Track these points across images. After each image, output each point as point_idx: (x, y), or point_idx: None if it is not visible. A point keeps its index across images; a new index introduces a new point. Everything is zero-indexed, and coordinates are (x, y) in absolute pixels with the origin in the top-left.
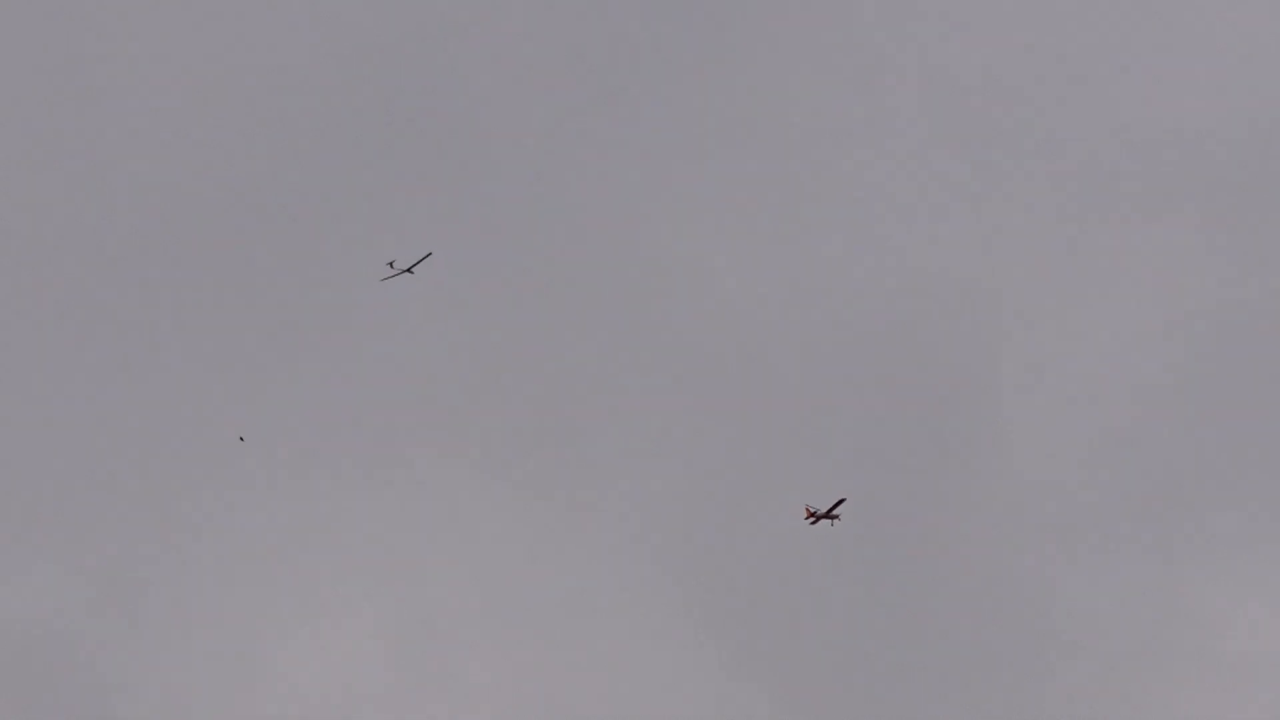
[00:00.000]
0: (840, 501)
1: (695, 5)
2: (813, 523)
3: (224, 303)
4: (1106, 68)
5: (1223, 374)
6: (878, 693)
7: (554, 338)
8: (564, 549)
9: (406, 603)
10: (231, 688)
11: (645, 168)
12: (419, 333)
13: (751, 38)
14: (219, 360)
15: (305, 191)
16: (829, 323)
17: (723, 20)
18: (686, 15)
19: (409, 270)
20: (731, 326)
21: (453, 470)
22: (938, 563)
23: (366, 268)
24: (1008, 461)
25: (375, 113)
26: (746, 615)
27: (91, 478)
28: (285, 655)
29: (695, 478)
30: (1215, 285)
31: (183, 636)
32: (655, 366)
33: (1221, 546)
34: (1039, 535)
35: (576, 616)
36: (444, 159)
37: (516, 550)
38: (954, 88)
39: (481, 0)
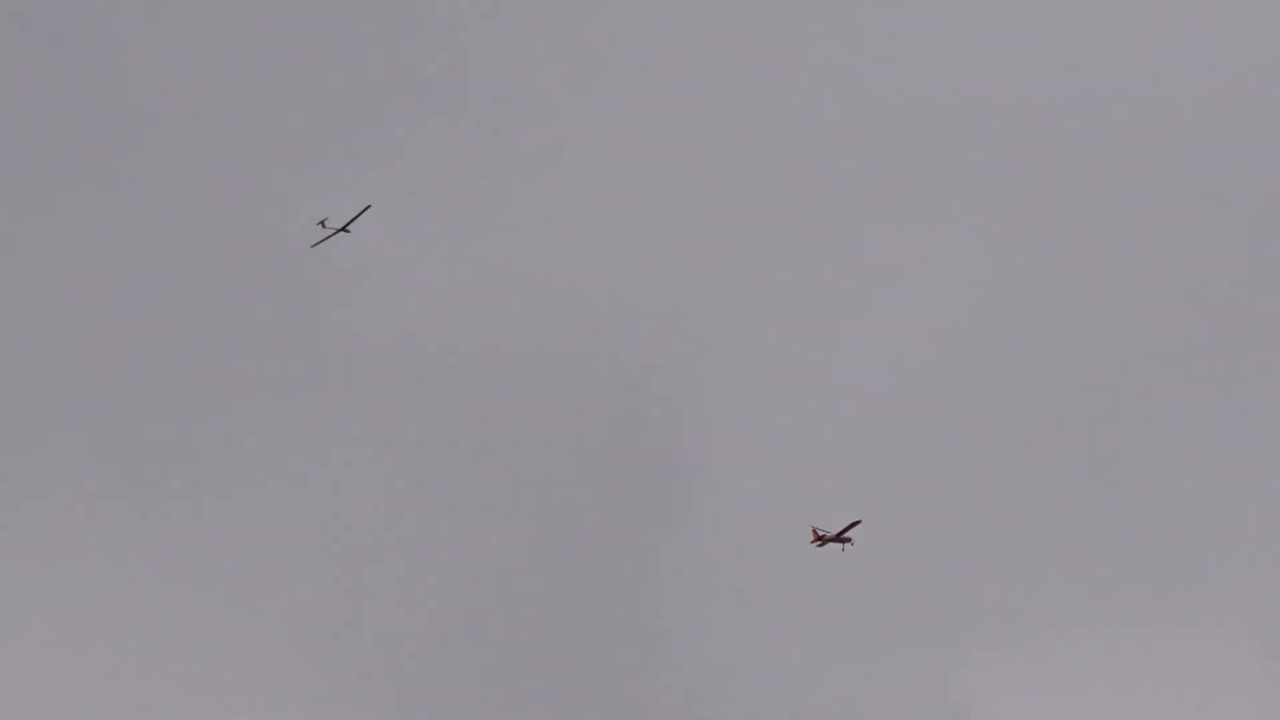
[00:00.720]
0: (854, 524)
1: None
2: (819, 546)
3: None
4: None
5: (1002, 402)
6: None
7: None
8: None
9: None
10: None
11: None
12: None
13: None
14: None
15: None
16: (514, 332)
17: None
18: None
19: (344, 229)
20: (397, 336)
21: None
22: (626, 631)
23: None
24: (724, 511)
25: None
26: (405, 687)
27: None
28: None
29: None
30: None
31: None
32: (300, 381)
33: (1000, 625)
34: (752, 607)
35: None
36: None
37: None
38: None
39: None
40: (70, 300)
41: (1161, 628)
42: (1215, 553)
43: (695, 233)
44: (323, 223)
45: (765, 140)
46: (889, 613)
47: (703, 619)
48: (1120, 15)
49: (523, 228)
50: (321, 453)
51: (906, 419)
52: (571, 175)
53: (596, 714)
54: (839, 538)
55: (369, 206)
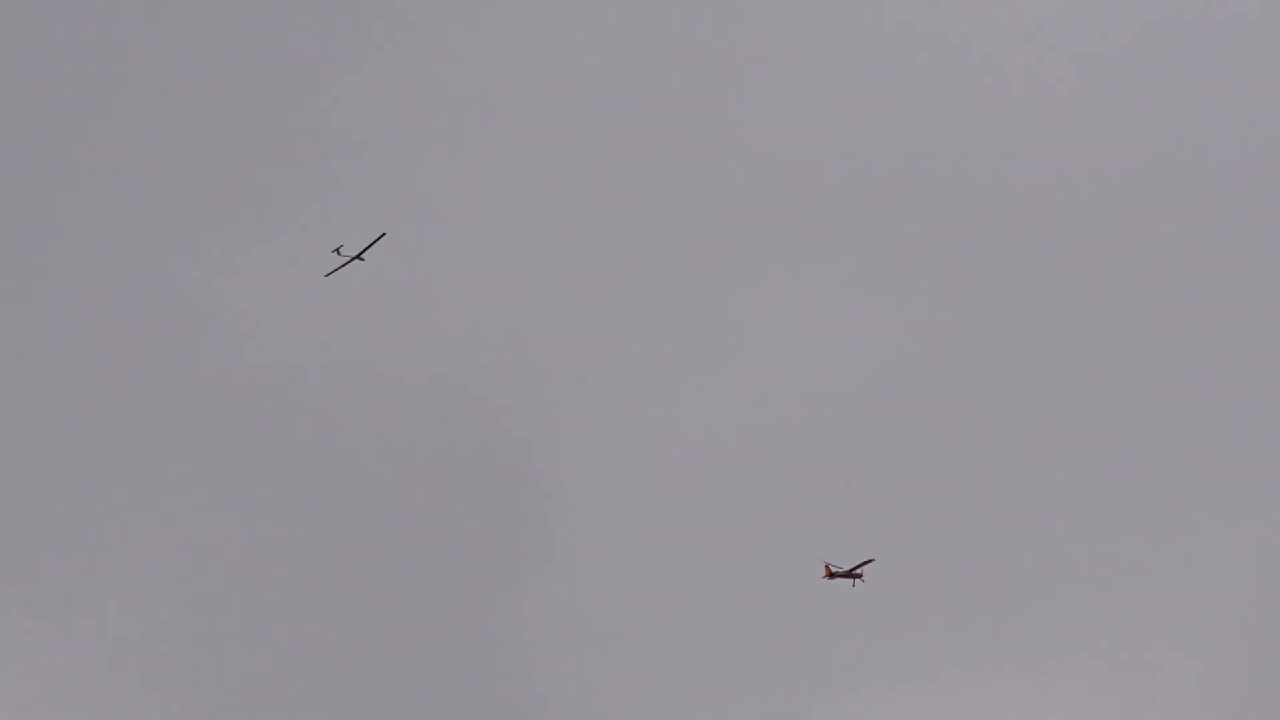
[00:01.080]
0: (867, 562)
1: None
2: (829, 579)
3: None
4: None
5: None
6: None
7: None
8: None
9: None
10: None
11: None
12: None
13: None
14: None
15: None
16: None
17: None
18: None
19: (359, 257)
20: (249, 373)
21: None
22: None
23: None
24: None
25: None
26: None
27: None
28: None
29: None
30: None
31: None
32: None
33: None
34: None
35: None
36: None
37: None
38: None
39: None
40: None
41: (1046, 670)
42: (1107, 594)
43: (552, 274)
44: (338, 250)
45: (632, 178)
46: (759, 656)
47: (562, 666)
48: (1107, 15)
49: (378, 267)
50: (173, 488)
51: (770, 462)
52: (431, 208)
53: None
54: (850, 574)
55: (384, 234)
